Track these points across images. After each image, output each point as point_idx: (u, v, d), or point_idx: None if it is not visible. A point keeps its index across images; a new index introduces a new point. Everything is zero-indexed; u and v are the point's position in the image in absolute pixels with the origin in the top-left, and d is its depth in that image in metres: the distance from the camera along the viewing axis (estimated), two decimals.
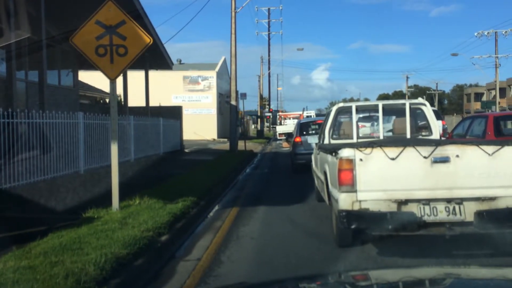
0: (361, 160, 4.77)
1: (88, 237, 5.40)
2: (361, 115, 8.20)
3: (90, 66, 20.29)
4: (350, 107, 7.35)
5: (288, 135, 30.80)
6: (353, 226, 4.68)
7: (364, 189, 4.79)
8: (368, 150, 4.78)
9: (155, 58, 17.78)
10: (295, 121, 33.67)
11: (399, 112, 7.39)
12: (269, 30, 48.80)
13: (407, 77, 70.01)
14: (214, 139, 35.85)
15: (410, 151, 4.79)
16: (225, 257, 5.63)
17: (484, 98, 64.47)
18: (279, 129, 34.02)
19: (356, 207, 4.77)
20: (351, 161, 4.77)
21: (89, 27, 6.84)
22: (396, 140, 6.03)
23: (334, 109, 7.47)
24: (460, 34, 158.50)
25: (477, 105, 63.73)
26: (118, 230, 5.75)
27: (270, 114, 53.33)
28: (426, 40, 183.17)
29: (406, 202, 4.77)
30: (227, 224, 7.48)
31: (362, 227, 4.70)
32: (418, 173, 4.77)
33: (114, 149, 7.11)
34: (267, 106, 51.90)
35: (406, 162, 4.78)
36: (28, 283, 3.84)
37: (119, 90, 17.76)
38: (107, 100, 25.49)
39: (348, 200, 4.80)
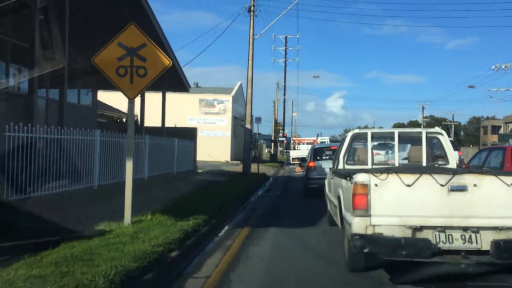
0: (376, 185, 4.78)
1: (99, 249, 5.42)
2: (376, 143, 8.18)
3: (108, 86, 20.76)
4: (366, 134, 7.37)
5: (302, 160, 30.84)
6: (366, 250, 4.63)
7: (378, 214, 4.77)
8: (384, 175, 4.79)
9: (173, 80, 18.11)
10: (309, 146, 33.73)
11: (415, 140, 7.37)
12: (285, 58, 49.48)
13: (423, 107, 69.76)
14: (227, 161, 35.95)
15: (426, 179, 4.79)
16: (234, 276, 5.59)
17: (501, 131, 63.85)
18: (293, 153, 34.03)
19: (369, 231, 4.74)
20: (366, 186, 4.78)
21: (111, 49, 7.06)
22: (412, 167, 6.02)
23: (349, 135, 7.50)
24: (476, 67, 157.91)
25: (494, 138, 63.07)
26: (129, 244, 5.77)
27: (284, 139, 53.48)
28: (442, 71, 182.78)
29: (421, 228, 4.72)
30: (237, 243, 7.44)
31: (375, 251, 4.64)
32: (434, 200, 4.74)
33: (129, 165, 7.19)
34: (281, 131, 52.10)
35: (422, 189, 4.76)
36: None
37: (137, 110, 18.09)
38: (124, 120, 25.89)
39: (362, 224, 4.78)
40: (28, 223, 7.38)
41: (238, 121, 38.80)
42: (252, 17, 21.27)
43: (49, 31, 14.58)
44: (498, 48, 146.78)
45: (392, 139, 7.38)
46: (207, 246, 7.33)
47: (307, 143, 34.57)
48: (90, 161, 11.26)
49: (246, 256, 6.56)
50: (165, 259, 5.69)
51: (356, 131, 7.50)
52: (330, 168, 8.39)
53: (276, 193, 16.24)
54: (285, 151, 58.25)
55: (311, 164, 14.24)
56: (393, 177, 4.76)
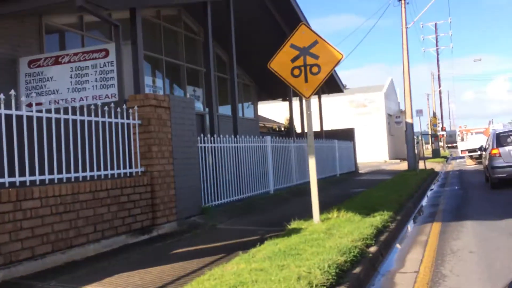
0: None
1: (301, 245, 5.52)
2: None
3: (266, 97, 21.76)
4: None
5: (472, 151, 27.88)
6: None
7: None
8: None
9: (327, 82, 18.15)
10: (479, 136, 30.38)
11: None
12: (437, 45, 45.99)
13: None
14: (385, 161, 34.52)
15: None
16: (446, 270, 5.14)
17: None
18: (462, 145, 30.94)
19: None
20: None
21: (284, 51, 7.26)
22: None
23: None
24: None
25: None
26: (327, 240, 5.76)
27: (443, 132, 49.30)
28: None
29: None
30: (433, 238, 6.92)
31: None
32: None
33: (312, 163, 7.26)
34: (439, 124, 48.14)
35: None
36: (266, 283, 4.03)
37: (287, 115, 18.55)
38: (282, 128, 26.83)
39: None
40: (226, 225, 8.00)
41: (392, 118, 37.04)
42: (403, 5, 20.17)
43: (220, 54, 16.00)
44: None
45: None
46: (401, 241, 6.97)
47: (476, 133, 31.15)
48: (265, 166, 11.82)
49: (450, 250, 6.02)
50: (366, 254, 5.52)
51: None
52: None
53: (454, 187, 14.89)
54: (446, 145, 53.63)
55: (495, 151, 12.68)
56: None
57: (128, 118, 6.81)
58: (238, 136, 10.70)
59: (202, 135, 8.84)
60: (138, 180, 6.69)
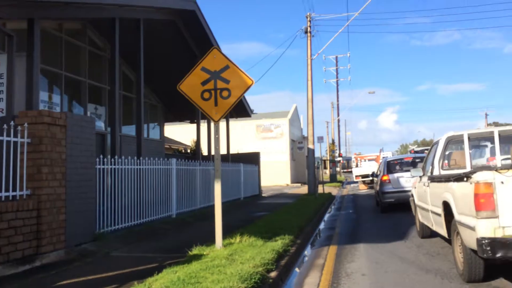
0: (502, 182, 4.41)
1: (202, 272, 5.38)
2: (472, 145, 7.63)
3: (173, 119, 21.38)
4: (462, 136, 6.93)
5: (365, 177, 29.95)
6: (498, 255, 4.23)
7: (507, 214, 4.38)
8: (510, 171, 4.40)
9: (235, 107, 18.35)
10: (371, 163, 32.79)
11: None
12: (337, 77, 48.98)
13: (486, 114, 66.29)
14: (287, 184, 35.69)
15: None
16: None
17: None
18: (356, 171, 33.14)
19: (499, 234, 4.34)
20: (490, 185, 4.42)
21: (195, 74, 7.20)
22: None
23: (443, 138, 7.10)
24: None
25: None
26: (228, 266, 5.69)
27: (340, 158, 52.48)
28: (503, 76, 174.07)
29: None
30: (329, 261, 7.18)
31: (509, 255, 4.22)
32: None
33: (217, 188, 7.19)
34: (336, 151, 51.20)
35: None
36: None
37: (194, 137, 18.44)
38: (188, 150, 26.50)
39: (489, 226, 4.39)
40: (121, 253, 7.54)
41: (295, 144, 38.63)
42: (309, 38, 21.36)
43: (127, 72, 15.39)
44: None
45: (491, 139, 6.89)
46: (301, 265, 7.14)
47: (369, 160, 33.62)
48: (168, 189, 11.49)
49: (345, 273, 6.28)
50: (267, 279, 5.54)
51: (451, 133, 7.07)
52: (421, 177, 7.97)
53: (348, 210, 15.78)
54: (342, 171, 57.07)
55: (385, 177, 13.73)
56: None
57: (15, 136, 6.20)
58: (141, 158, 10.30)
59: (101, 156, 8.35)
60: (22, 204, 6.06)
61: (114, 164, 8.91)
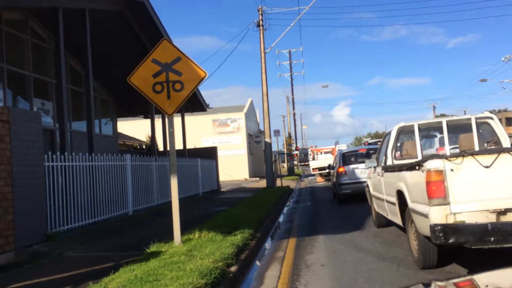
0: (452, 170, 4.53)
1: (161, 270, 5.24)
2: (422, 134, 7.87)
3: (126, 114, 20.78)
4: (412, 126, 7.13)
5: (322, 169, 30.45)
6: (451, 241, 4.36)
7: (457, 201, 4.52)
8: (459, 159, 4.54)
9: (190, 101, 18.12)
10: (327, 155, 33.38)
11: (464, 128, 7.11)
12: (291, 71, 49.40)
13: (434, 106, 69.11)
14: (246, 179, 35.72)
15: (505, 158, 4.54)
16: (301, 285, 5.35)
17: None
18: (313, 164, 33.62)
19: (450, 220, 4.47)
20: (441, 172, 4.53)
21: (146, 66, 6.96)
22: (486, 149, 5.75)
23: (395, 129, 7.27)
24: (481, 62, 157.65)
25: (509, 130, 62.21)
26: (188, 262, 5.57)
27: (297, 152, 53.14)
28: (447, 70, 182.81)
29: (505, 212, 4.46)
30: (289, 253, 7.21)
31: (461, 241, 4.37)
32: None
33: (174, 183, 7.02)
34: (293, 144, 51.80)
35: (502, 169, 4.51)
36: None
37: (149, 133, 18.06)
38: (144, 146, 25.89)
39: (441, 213, 4.51)
40: (77, 253, 7.23)
41: (252, 138, 38.70)
42: (261, 31, 21.34)
43: (74, 65, 14.72)
44: (500, 42, 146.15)
45: (439, 129, 7.13)
46: (261, 259, 7.12)
47: (325, 152, 34.20)
48: (124, 186, 11.15)
49: (305, 265, 6.32)
50: (227, 274, 5.48)
51: (402, 124, 7.26)
52: (375, 167, 8.14)
53: (307, 203, 15.98)
54: (299, 164, 57.84)
55: (341, 169, 13.98)
56: (469, 160, 4.52)
57: None
58: (93, 154, 9.91)
59: (50, 153, 7.95)
60: None
61: (65, 161, 8.52)
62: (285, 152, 45.96)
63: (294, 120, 55.86)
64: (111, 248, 7.51)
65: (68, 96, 13.45)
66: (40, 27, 13.50)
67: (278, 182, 23.53)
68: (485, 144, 6.97)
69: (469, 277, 2.42)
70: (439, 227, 4.39)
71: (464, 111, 72.81)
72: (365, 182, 10.56)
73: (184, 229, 8.07)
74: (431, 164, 4.61)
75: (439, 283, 2.15)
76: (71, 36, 11.30)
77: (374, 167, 8.18)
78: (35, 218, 7.01)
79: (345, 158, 14.53)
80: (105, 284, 4.80)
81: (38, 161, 7.25)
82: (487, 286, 2.02)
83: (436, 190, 4.52)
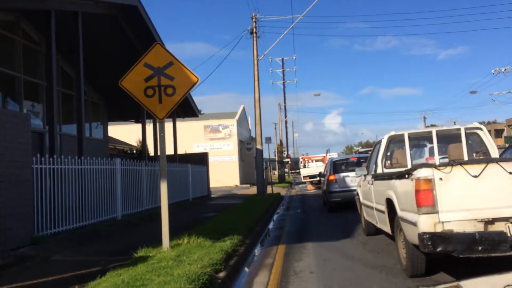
0: (440, 179, 4.56)
1: (148, 275, 5.19)
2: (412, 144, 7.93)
3: (117, 118, 20.64)
4: (403, 135, 7.18)
5: (313, 177, 30.48)
6: (439, 249, 4.37)
7: (446, 210, 4.54)
8: (448, 168, 4.57)
9: (182, 106, 18.09)
10: (318, 163, 33.44)
11: (453, 138, 7.18)
12: (283, 79, 49.45)
13: (424, 117, 69.63)
14: (236, 185, 35.65)
15: (493, 168, 4.58)
16: None
17: (505, 134, 63.97)
18: (304, 172, 33.67)
19: (439, 228, 4.49)
20: (430, 181, 4.56)
21: (138, 70, 6.94)
22: (475, 159, 5.80)
23: (385, 138, 7.31)
24: (471, 74, 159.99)
25: (498, 141, 62.96)
26: (175, 267, 5.53)
27: (288, 159, 53.18)
28: (438, 81, 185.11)
29: (493, 221, 4.48)
30: (278, 260, 7.18)
31: (449, 249, 4.38)
32: (505, 189, 4.52)
33: (163, 188, 6.96)
34: (284, 152, 51.82)
35: (490, 179, 4.54)
36: None
37: (148, 140, 17.96)
38: (134, 151, 25.75)
39: (430, 221, 4.53)
40: (64, 256, 7.14)
41: (243, 145, 38.68)
42: (255, 39, 21.42)
43: (66, 68, 14.61)
44: (490, 54, 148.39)
45: (429, 139, 7.18)
46: (250, 265, 7.08)
47: (317, 161, 34.28)
48: (113, 190, 11.05)
49: (293, 272, 6.29)
50: (215, 280, 5.44)
51: (392, 133, 7.31)
52: (365, 175, 8.17)
53: (297, 210, 15.97)
54: (290, 171, 57.88)
55: (332, 177, 14.01)
56: (458, 169, 4.55)
57: None
58: (83, 158, 9.83)
59: (38, 155, 7.87)
60: None
61: (54, 164, 8.44)
62: (276, 159, 45.98)
63: (286, 127, 55.97)
64: (99, 252, 7.43)
65: (58, 99, 13.34)
66: (32, 29, 13.42)
67: (269, 189, 23.52)
68: (474, 154, 7.04)
69: (455, 284, 2.43)
70: (427, 236, 4.41)
71: (454, 122, 73.43)
72: (355, 190, 10.59)
73: (173, 235, 8.01)
74: (420, 173, 4.63)
75: None
76: (63, 38, 11.24)
77: (364, 176, 8.21)
78: (21, 221, 6.92)
79: (336, 166, 14.57)
80: None
81: (26, 163, 7.17)
82: None
83: (425, 199, 4.54)
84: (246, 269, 6.87)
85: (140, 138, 19.17)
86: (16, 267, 6.18)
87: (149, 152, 19.54)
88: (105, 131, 18.81)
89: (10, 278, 5.60)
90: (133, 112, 17.94)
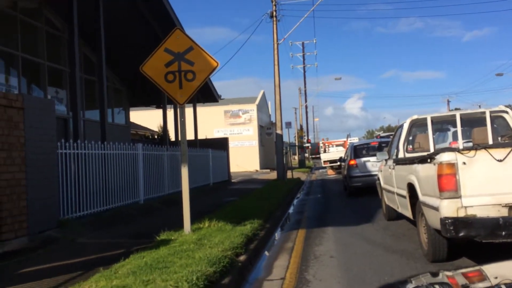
0: (464, 163, 4.48)
1: (170, 257, 5.29)
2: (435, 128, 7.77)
3: (138, 104, 20.83)
4: (425, 119, 7.05)
5: (333, 162, 30.33)
6: (461, 234, 4.32)
7: (469, 194, 4.47)
8: (471, 152, 4.49)
9: (202, 91, 18.15)
10: (339, 148, 33.21)
11: (478, 121, 7.02)
12: (304, 63, 49.01)
13: (448, 101, 68.16)
14: (256, 170, 35.79)
15: None
16: (310, 276, 5.36)
17: None
18: (324, 156, 33.51)
19: (461, 213, 4.43)
20: (453, 165, 4.48)
21: (158, 55, 6.97)
22: (499, 143, 5.67)
23: (407, 121, 7.20)
24: (497, 56, 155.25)
25: None
26: (197, 250, 5.62)
27: (309, 144, 52.99)
28: (463, 64, 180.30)
29: None
30: (298, 244, 7.22)
31: (471, 234, 4.33)
32: None
33: (184, 172, 7.05)
34: (305, 137, 51.65)
35: None
36: None
37: (169, 125, 18.14)
38: (155, 136, 26.06)
39: (452, 206, 4.47)
40: (89, 239, 7.34)
41: (263, 130, 38.66)
42: (275, 22, 21.21)
43: (88, 54, 14.80)
44: None
45: (453, 122, 7.04)
46: (270, 249, 7.15)
47: (337, 145, 34.03)
48: (135, 175, 11.24)
49: (313, 256, 6.32)
50: (236, 263, 5.51)
51: (415, 117, 7.18)
52: (386, 160, 8.09)
53: (317, 195, 15.96)
54: (311, 156, 57.70)
55: (353, 162, 13.92)
56: (482, 154, 4.46)
57: None
58: (106, 143, 10.00)
59: (63, 141, 8.04)
60: None
61: (78, 149, 8.62)
62: (296, 144, 45.87)
63: (306, 112, 55.64)
64: (122, 235, 7.60)
65: (81, 85, 13.55)
66: (55, 15, 13.60)
67: (289, 174, 23.54)
68: (499, 138, 6.87)
69: (477, 268, 2.41)
70: (449, 221, 4.35)
71: (479, 105, 71.70)
72: (376, 175, 10.51)
73: (194, 219, 8.13)
74: (443, 157, 4.56)
75: (447, 273, 2.14)
76: (85, 25, 11.36)
77: (386, 160, 8.12)
78: (48, 205, 7.12)
79: (357, 151, 14.46)
80: (115, 270, 4.86)
81: (51, 149, 7.34)
82: (496, 277, 2.00)
83: (448, 183, 4.47)
84: (266, 253, 6.94)
85: (161, 123, 19.38)
86: (43, 249, 6.38)
87: (170, 137, 19.75)
88: (127, 116, 19.06)
89: (38, 260, 5.79)
90: (154, 97, 18.10)
